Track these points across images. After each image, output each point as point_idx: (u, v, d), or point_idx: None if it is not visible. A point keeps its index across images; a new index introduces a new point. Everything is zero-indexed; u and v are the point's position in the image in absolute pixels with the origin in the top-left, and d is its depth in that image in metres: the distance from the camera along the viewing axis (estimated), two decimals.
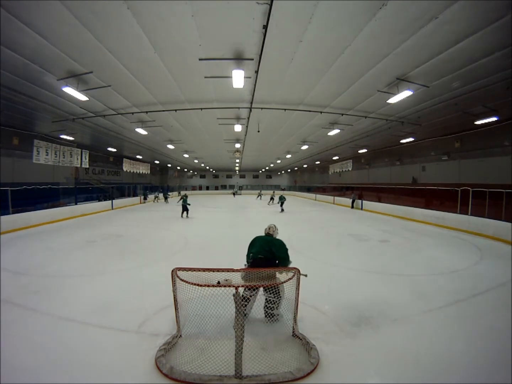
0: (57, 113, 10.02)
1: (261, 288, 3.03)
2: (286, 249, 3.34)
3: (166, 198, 25.17)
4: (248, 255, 3.45)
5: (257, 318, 3.24)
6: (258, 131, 13.24)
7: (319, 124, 12.17)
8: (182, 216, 13.36)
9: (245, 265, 3.50)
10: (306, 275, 3.13)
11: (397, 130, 12.68)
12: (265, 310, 3.19)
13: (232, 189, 42.63)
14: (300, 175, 44.09)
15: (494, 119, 9.94)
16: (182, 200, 13.71)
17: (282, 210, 16.45)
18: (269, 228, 3.65)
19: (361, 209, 17.85)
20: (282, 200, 16.85)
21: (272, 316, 3.11)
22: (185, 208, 13.45)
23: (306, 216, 14.58)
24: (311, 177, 39.71)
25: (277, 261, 3.28)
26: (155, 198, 25.12)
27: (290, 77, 7.10)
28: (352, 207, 18.57)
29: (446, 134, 13.57)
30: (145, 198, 24.18)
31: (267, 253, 3.24)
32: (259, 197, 29.36)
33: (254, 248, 3.35)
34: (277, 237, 3.60)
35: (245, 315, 3.07)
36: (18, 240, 8.02)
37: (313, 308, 3.68)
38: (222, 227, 10.68)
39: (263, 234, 3.68)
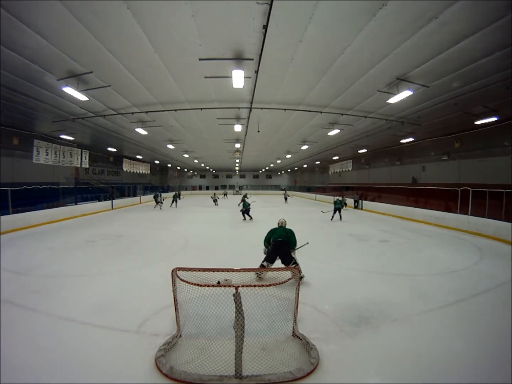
0: (57, 113, 10.02)
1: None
2: (295, 236, 4.81)
3: (159, 203, 17.79)
4: (268, 240, 4.81)
5: (257, 318, 3.24)
6: (258, 131, 13.24)
7: (319, 124, 12.16)
8: (244, 219, 12.54)
9: (264, 249, 4.94)
10: (307, 243, 5.08)
11: (397, 130, 12.68)
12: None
13: (231, 189, 41.92)
14: (300, 175, 44.06)
15: (494, 119, 9.93)
16: (243, 201, 12.70)
17: (339, 217, 12.41)
18: (281, 223, 5.08)
19: (361, 209, 17.85)
20: (337, 205, 12.25)
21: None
22: (247, 211, 12.48)
23: (306, 216, 14.58)
24: (311, 177, 39.68)
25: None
26: (173, 202, 19.74)
27: (290, 77, 7.10)
28: (355, 207, 18.35)
29: (446, 134, 13.56)
30: (156, 201, 17.79)
31: (285, 237, 4.65)
32: (285, 199, 25.18)
33: (275, 235, 4.75)
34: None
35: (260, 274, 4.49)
36: (18, 240, 8.02)
37: (313, 308, 3.68)
38: (222, 227, 10.68)
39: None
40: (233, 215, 14.60)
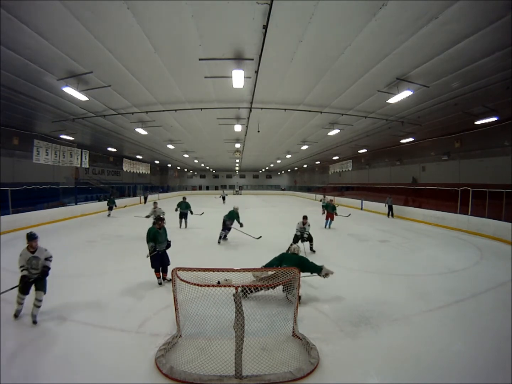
0: (57, 113, 10.01)
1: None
2: (311, 262, 4.07)
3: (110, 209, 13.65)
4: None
5: (257, 318, 3.24)
6: (258, 131, 13.23)
7: (319, 124, 12.16)
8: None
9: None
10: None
11: (397, 130, 12.67)
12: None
13: (231, 190, 41.73)
14: (300, 175, 44.05)
15: (494, 119, 9.92)
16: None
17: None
18: (293, 249, 4.22)
19: (361, 209, 17.85)
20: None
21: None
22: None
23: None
24: (311, 177, 39.67)
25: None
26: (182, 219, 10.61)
27: (290, 77, 7.09)
28: (389, 215, 13.76)
29: (446, 134, 13.55)
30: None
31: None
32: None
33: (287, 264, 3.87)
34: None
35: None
36: (18, 240, 8.01)
37: (313, 308, 3.68)
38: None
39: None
40: None
